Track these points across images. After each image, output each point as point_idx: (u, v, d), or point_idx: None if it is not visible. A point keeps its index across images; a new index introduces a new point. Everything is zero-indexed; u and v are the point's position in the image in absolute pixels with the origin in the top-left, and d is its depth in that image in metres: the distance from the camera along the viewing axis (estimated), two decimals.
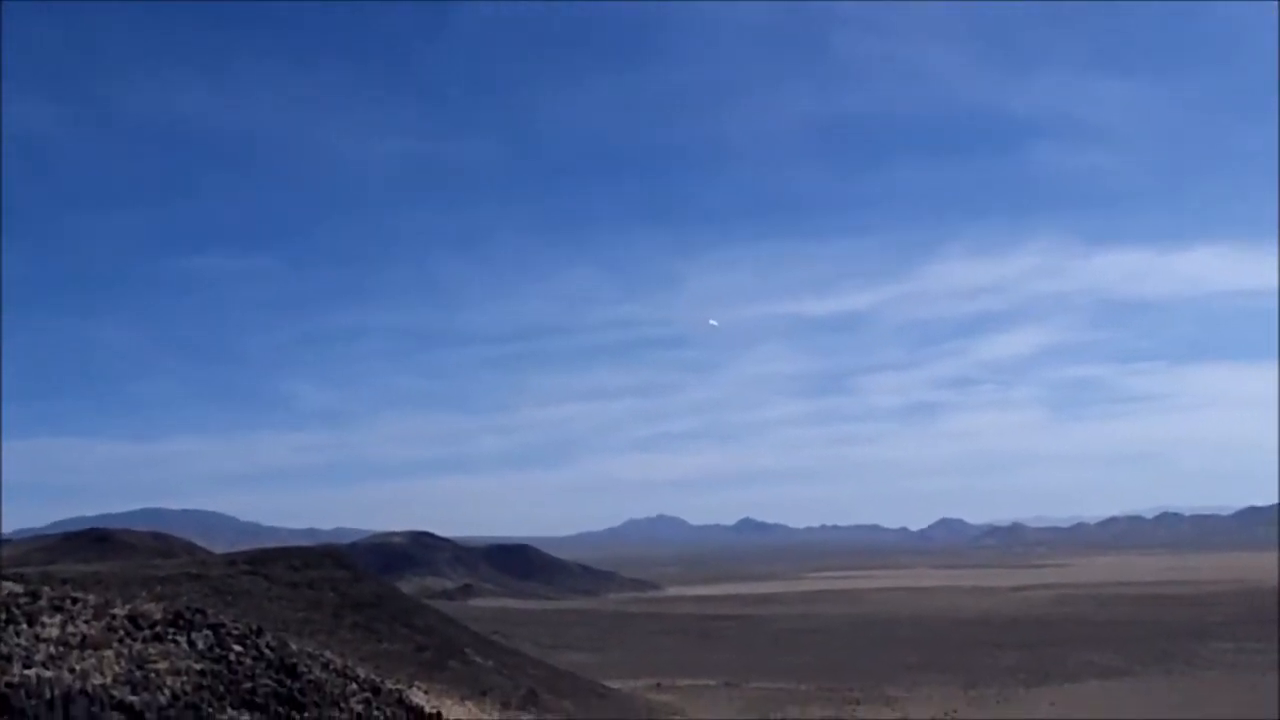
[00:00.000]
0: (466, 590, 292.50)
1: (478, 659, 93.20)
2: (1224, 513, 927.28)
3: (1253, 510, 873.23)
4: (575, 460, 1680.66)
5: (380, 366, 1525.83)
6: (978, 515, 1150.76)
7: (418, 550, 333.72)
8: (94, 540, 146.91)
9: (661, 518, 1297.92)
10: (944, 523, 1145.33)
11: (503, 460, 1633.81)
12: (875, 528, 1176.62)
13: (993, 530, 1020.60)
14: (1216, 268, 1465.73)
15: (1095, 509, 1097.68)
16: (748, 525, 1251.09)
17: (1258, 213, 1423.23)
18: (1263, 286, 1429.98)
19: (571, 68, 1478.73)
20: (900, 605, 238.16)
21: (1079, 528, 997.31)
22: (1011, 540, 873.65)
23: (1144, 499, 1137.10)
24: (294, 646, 33.00)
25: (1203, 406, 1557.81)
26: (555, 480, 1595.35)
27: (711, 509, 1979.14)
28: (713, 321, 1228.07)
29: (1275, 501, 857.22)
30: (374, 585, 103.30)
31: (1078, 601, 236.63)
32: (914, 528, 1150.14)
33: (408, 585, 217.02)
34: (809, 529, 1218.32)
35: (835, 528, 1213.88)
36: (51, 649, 25.75)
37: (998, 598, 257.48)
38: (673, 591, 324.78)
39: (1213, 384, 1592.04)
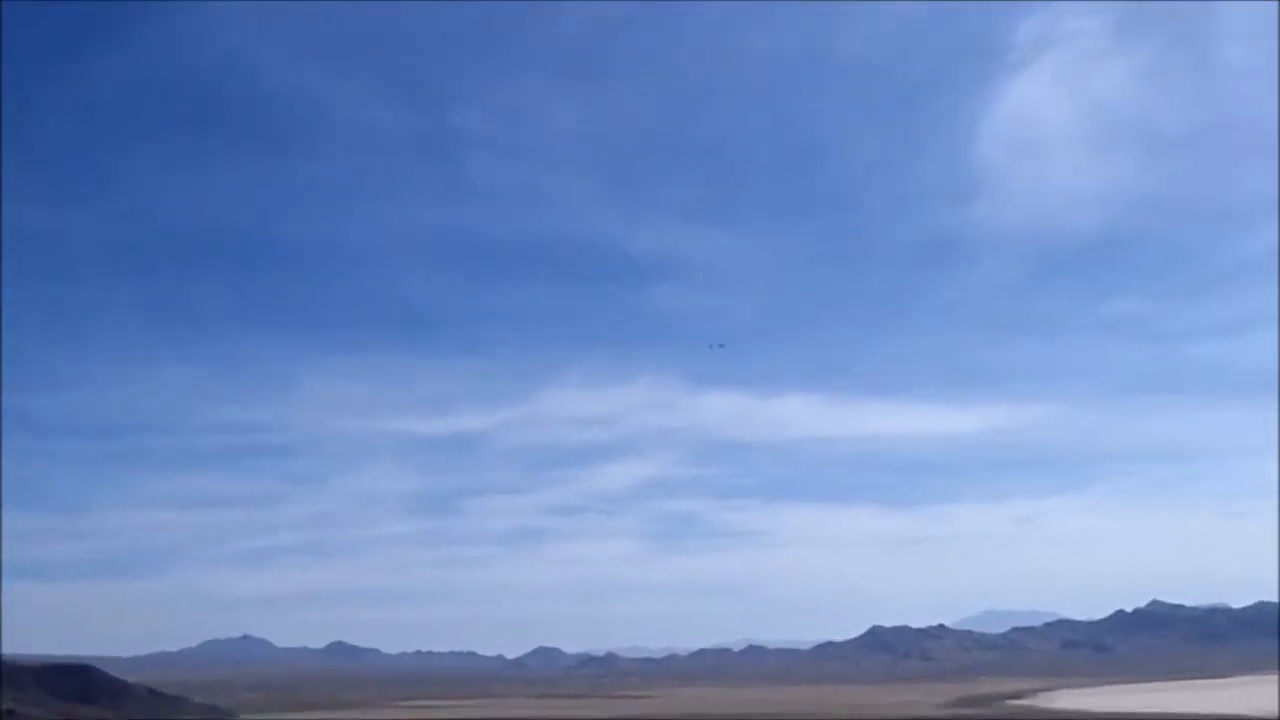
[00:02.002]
0: (9, 717, 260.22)
1: None
2: (803, 646, 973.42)
3: (829, 644, 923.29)
4: (157, 572, 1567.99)
5: None
6: (574, 643, 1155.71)
7: None
8: None
9: (246, 638, 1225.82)
10: (540, 650, 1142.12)
11: (72, 569, 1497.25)
12: (472, 654, 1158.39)
13: (588, 659, 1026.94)
14: (805, 414, 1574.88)
15: (688, 640, 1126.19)
16: (338, 649, 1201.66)
17: (842, 362, 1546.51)
18: (842, 434, 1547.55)
19: (193, 149, 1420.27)
20: None
21: (671, 658, 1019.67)
22: (605, 669, 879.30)
23: (732, 631, 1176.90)
24: None
25: (788, 544, 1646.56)
26: (130, 593, 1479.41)
27: (300, 630, 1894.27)
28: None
29: (850, 635, 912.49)
30: None
31: None
32: (510, 655, 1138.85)
33: None
34: (404, 654, 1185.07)
35: (431, 653, 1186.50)
36: None
37: None
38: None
39: (798, 523, 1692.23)
